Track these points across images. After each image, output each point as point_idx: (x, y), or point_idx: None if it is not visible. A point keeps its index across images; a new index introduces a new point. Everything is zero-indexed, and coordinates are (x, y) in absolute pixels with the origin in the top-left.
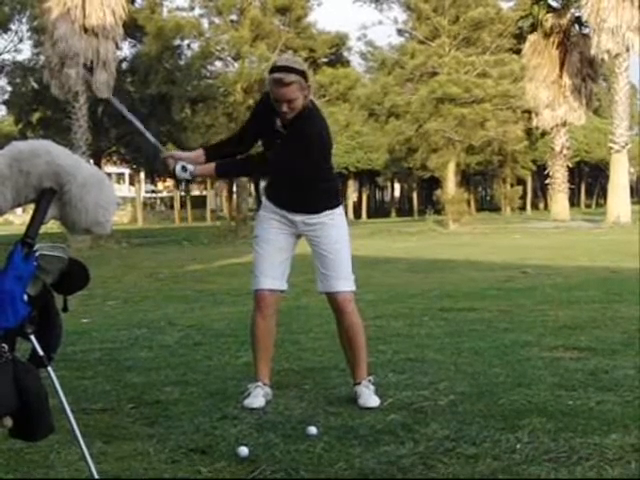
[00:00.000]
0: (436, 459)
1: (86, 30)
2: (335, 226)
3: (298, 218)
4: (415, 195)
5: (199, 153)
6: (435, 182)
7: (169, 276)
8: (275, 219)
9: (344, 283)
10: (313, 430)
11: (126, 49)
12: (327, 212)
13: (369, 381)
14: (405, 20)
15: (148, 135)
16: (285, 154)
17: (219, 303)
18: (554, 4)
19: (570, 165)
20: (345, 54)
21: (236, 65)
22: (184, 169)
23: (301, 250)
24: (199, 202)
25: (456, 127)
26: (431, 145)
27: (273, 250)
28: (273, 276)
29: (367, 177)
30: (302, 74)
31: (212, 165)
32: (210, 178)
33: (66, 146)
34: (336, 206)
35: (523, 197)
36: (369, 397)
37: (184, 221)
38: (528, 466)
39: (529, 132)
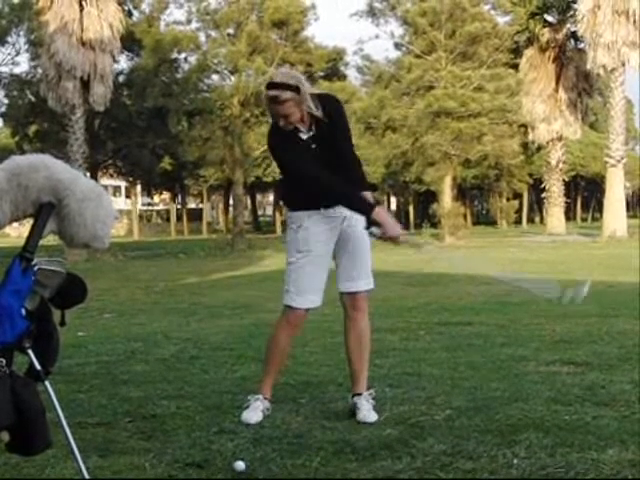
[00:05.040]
0: (433, 474)
1: (83, 43)
2: (361, 221)
3: (346, 212)
4: (411, 209)
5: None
6: (431, 196)
7: (165, 289)
8: (326, 229)
9: (366, 282)
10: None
11: (123, 62)
12: None
13: (370, 394)
14: (402, 34)
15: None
16: (328, 151)
17: (215, 316)
18: (550, 19)
19: (566, 179)
20: (342, 68)
21: (233, 79)
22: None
23: None
24: (195, 215)
25: (452, 141)
26: (427, 159)
27: (322, 268)
28: (314, 293)
29: None
30: (296, 90)
31: (364, 200)
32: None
33: (63, 159)
34: None
35: (519, 211)
36: (369, 412)
37: (180, 234)
38: None
39: (525, 146)
